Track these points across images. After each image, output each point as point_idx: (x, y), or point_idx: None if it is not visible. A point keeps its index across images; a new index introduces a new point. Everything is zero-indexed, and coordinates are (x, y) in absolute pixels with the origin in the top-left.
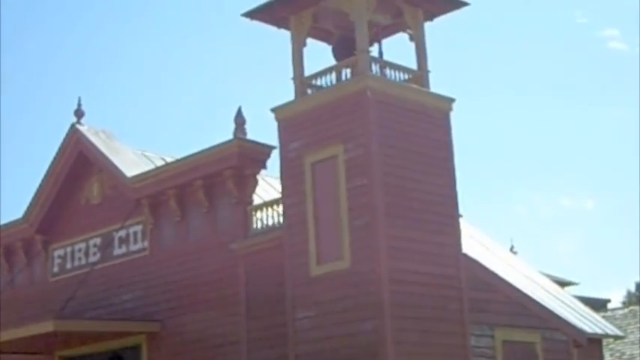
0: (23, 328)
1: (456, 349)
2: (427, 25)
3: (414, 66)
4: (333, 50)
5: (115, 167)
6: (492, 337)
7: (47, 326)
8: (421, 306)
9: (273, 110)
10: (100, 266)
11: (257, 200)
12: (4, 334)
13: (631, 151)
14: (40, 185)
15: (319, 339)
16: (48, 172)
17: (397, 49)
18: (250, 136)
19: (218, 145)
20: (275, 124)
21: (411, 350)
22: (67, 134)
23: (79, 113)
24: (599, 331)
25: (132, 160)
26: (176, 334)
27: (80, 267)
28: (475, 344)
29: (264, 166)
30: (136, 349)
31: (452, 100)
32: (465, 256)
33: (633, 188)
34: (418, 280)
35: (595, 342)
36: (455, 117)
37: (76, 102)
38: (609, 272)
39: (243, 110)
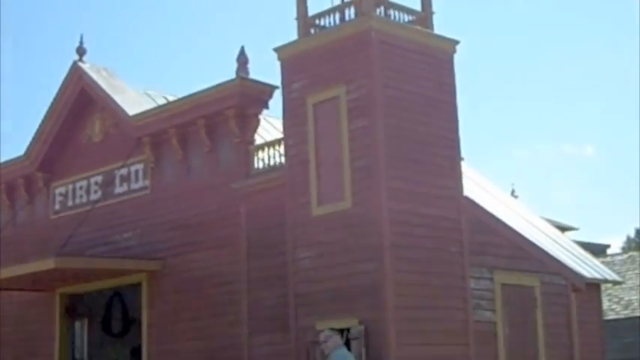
0: (24, 265)
1: (455, 291)
2: None
3: (418, 7)
4: None
5: (117, 105)
6: (491, 279)
7: (48, 263)
8: (421, 247)
9: (276, 50)
10: (101, 204)
11: (259, 140)
12: (5, 271)
13: (632, 98)
14: (42, 123)
15: (319, 279)
16: (50, 109)
17: None
18: (253, 76)
19: (220, 85)
20: (278, 64)
21: (411, 291)
22: (69, 72)
23: (81, 51)
24: (597, 276)
25: (134, 99)
26: (176, 273)
27: (81, 205)
28: (474, 287)
29: (266, 106)
30: (136, 287)
31: (456, 43)
32: (466, 198)
33: (634, 135)
34: (418, 222)
35: (593, 287)
36: (458, 59)
37: (78, 39)
38: (609, 218)
39: (246, 50)
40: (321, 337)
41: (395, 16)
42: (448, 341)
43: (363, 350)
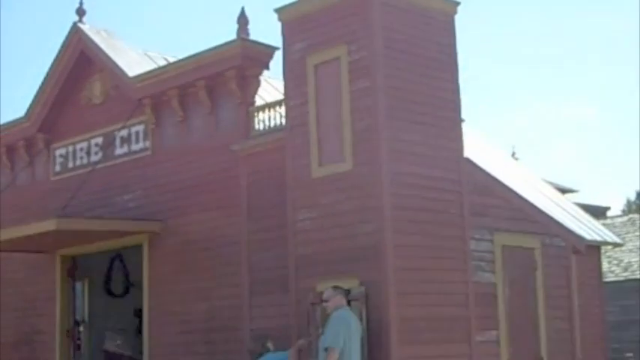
0: (25, 227)
1: (456, 253)
2: None
3: None
4: None
5: (117, 67)
6: (492, 241)
7: (49, 225)
8: (421, 209)
9: (276, 11)
10: (101, 166)
11: (259, 101)
12: (5, 232)
13: (633, 60)
14: (42, 84)
15: (319, 240)
16: (50, 70)
17: None
18: (253, 37)
19: (221, 46)
20: (279, 25)
21: (411, 253)
22: (69, 33)
23: (80, 12)
24: (598, 239)
25: (134, 60)
26: (177, 234)
27: (82, 166)
28: (474, 248)
29: (266, 67)
30: (137, 248)
31: (457, 4)
32: (467, 160)
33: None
34: (419, 183)
35: (594, 249)
36: (459, 21)
37: (77, 0)
38: (610, 180)
39: (246, 11)
40: (324, 295)
41: None
42: (448, 302)
43: (364, 311)
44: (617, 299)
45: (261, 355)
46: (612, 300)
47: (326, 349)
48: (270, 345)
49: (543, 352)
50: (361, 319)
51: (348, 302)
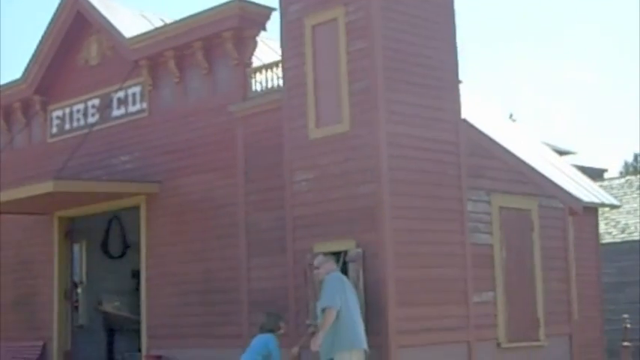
0: (22, 189)
1: (453, 214)
2: None
3: None
4: None
5: (113, 28)
6: (489, 202)
7: (46, 186)
8: (419, 170)
9: None
10: (98, 127)
11: (256, 62)
12: (3, 194)
13: (633, 24)
14: (39, 45)
15: (317, 202)
16: (46, 32)
17: None
18: None
19: (218, 7)
20: None
21: (408, 214)
22: None
23: None
24: (595, 200)
25: (130, 21)
26: (174, 196)
27: (79, 128)
28: (472, 209)
29: (263, 28)
30: (134, 210)
31: None
32: (464, 121)
33: (634, 60)
34: (417, 145)
35: (591, 210)
36: None
37: None
38: (607, 142)
39: None
40: (315, 262)
41: None
42: (445, 263)
43: (361, 272)
44: (613, 261)
45: (269, 331)
46: (609, 261)
47: (323, 310)
48: (282, 325)
49: (540, 313)
50: (358, 281)
51: (344, 264)
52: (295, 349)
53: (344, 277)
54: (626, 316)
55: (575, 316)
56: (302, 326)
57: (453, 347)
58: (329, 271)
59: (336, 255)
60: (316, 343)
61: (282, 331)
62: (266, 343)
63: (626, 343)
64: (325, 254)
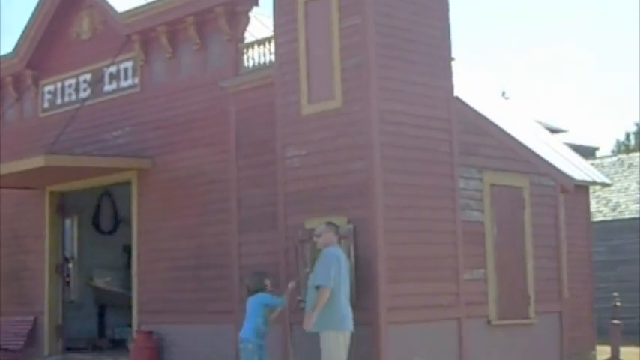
0: (14, 163)
1: (444, 191)
2: None
3: None
4: None
5: (105, 2)
6: (481, 180)
7: (37, 161)
8: (411, 147)
9: None
10: (90, 102)
11: (249, 38)
12: None
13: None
14: (30, 19)
15: (309, 178)
16: (38, 5)
17: None
18: None
19: None
20: None
21: (400, 191)
22: None
23: None
24: (586, 179)
25: None
26: (166, 171)
27: (70, 103)
28: (463, 187)
29: (256, 4)
30: (126, 185)
31: None
32: (457, 99)
33: (627, 38)
34: (409, 122)
35: (582, 189)
36: None
37: None
38: (599, 121)
39: None
40: (316, 230)
41: None
42: (436, 240)
43: (352, 249)
44: (604, 239)
45: (257, 291)
46: (600, 240)
47: (317, 287)
48: (267, 282)
49: (530, 291)
50: (349, 257)
51: (339, 240)
52: (292, 284)
53: (341, 254)
54: (616, 294)
55: (565, 294)
56: (293, 302)
57: (443, 324)
58: (328, 242)
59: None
60: (309, 323)
61: (269, 288)
62: (261, 301)
63: (615, 321)
64: (328, 224)
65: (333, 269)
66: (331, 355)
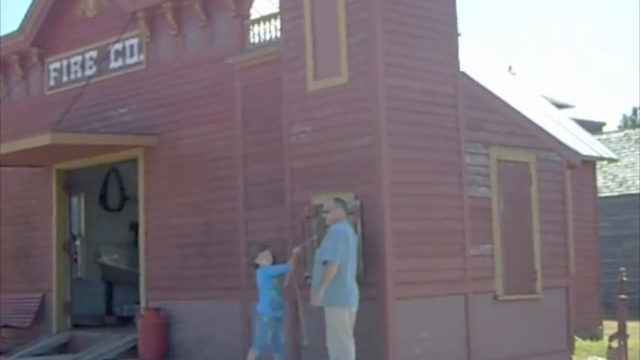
0: (20, 141)
1: (451, 167)
2: None
3: None
4: None
5: None
6: (487, 155)
7: (44, 139)
8: (417, 123)
9: None
10: (96, 80)
11: (254, 14)
12: (1, 147)
13: None
14: None
15: (315, 154)
16: None
17: None
18: None
19: None
20: None
21: (406, 167)
22: None
23: None
24: (593, 154)
25: None
26: (173, 148)
27: (76, 80)
28: (469, 162)
29: None
30: (132, 162)
31: None
32: (463, 74)
33: (635, 13)
34: (415, 98)
35: (589, 164)
36: None
37: None
38: (606, 96)
39: None
40: (325, 206)
41: None
42: (443, 216)
43: (359, 225)
44: (611, 214)
45: (256, 266)
46: (606, 215)
47: (324, 263)
48: (260, 256)
49: (537, 266)
50: (356, 233)
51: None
52: (297, 248)
53: (349, 231)
54: (622, 269)
55: (572, 269)
56: (300, 278)
57: (450, 299)
58: (336, 219)
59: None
60: (317, 298)
61: (265, 262)
62: (267, 274)
63: (622, 296)
64: (336, 200)
65: (341, 245)
66: (336, 330)
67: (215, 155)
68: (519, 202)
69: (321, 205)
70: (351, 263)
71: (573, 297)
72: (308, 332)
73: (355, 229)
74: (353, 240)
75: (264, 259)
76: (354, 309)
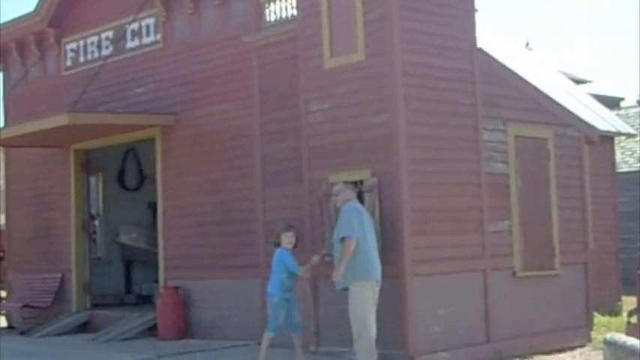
0: (38, 122)
1: (469, 143)
2: None
3: None
4: None
5: None
6: (505, 132)
7: (61, 119)
8: (434, 100)
9: None
10: (112, 60)
11: None
12: (18, 128)
13: None
14: None
15: (332, 132)
16: None
17: None
18: None
19: None
20: None
21: (423, 143)
22: None
23: None
24: (611, 129)
25: None
26: (190, 127)
27: (93, 60)
28: (487, 139)
29: None
30: (150, 142)
31: None
32: (480, 50)
33: None
34: (432, 74)
35: (607, 139)
36: None
37: None
38: (625, 71)
39: None
40: (334, 190)
41: None
42: (461, 193)
43: (377, 202)
44: (629, 189)
45: (277, 245)
46: (625, 190)
47: (342, 240)
48: (283, 237)
49: (555, 242)
50: (374, 210)
51: (360, 194)
52: (316, 258)
53: (361, 207)
54: None
55: (590, 245)
56: (318, 256)
57: (468, 276)
58: (347, 199)
59: (353, 185)
60: (338, 274)
61: (285, 243)
62: (281, 259)
63: None
64: (345, 182)
65: (356, 220)
66: (360, 306)
67: (232, 134)
68: (537, 178)
69: (332, 190)
70: (371, 238)
71: (592, 273)
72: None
73: (373, 207)
74: (367, 215)
75: (286, 239)
76: (377, 283)
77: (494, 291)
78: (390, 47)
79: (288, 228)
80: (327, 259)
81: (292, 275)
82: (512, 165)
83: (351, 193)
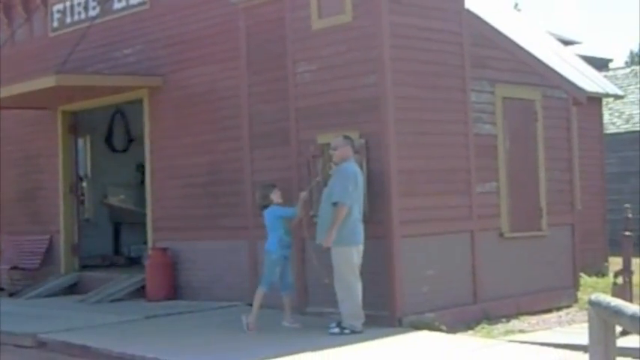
0: (25, 84)
1: (456, 105)
2: None
3: None
4: None
5: None
6: (492, 93)
7: (48, 81)
8: (422, 61)
9: None
10: (99, 21)
11: None
12: (5, 89)
13: None
14: None
15: (320, 93)
16: None
17: None
18: None
19: None
20: None
21: (411, 104)
22: None
23: None
24: (599, 90)
25: None
26: (177, 89)
27: (80, 22)
28: (475, 100)
29: None
30: (137, 103)
31: None
32: (468, 11)
33: None
34: (419, 35)
35: (595, 100)
36: None
37: None
38: (613, 32)
39: None
40: (332, 143)
41: None
42: (448, 154)
43: (364, 163)
44: (616, 151)
45: (265, 207)
46: (612, 152)
47: (334, 204)
48: (273, 197)
49: (542, 203)
50: (362, 171)
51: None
52: (304, 194)
53: (358, 170)
54: (628, 205)
55: (578, 206)
56: (305, 217)
57: (456, 237)
58: (344, 157)
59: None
60: (329, 240)
61: (276, 201)
62: (275, 214)
63: (627, 233)
64: (345, 137)
65: (351, 186)
66: (343, 269)
67: (220, 95)
68: (525, 139)
69: (327, 144)
70: (358, 203)
71: (579, 234)
72: (327, 272)
73: (361, 168)
74: (361, 179)
75: (276, 196)
76: (361, 247)
77: (481, 252)
78: (378, 8)
79: (272, 187)
80: (314, 219)
81: (289, 231)
82: (500, 126)
83: (349, 150)
